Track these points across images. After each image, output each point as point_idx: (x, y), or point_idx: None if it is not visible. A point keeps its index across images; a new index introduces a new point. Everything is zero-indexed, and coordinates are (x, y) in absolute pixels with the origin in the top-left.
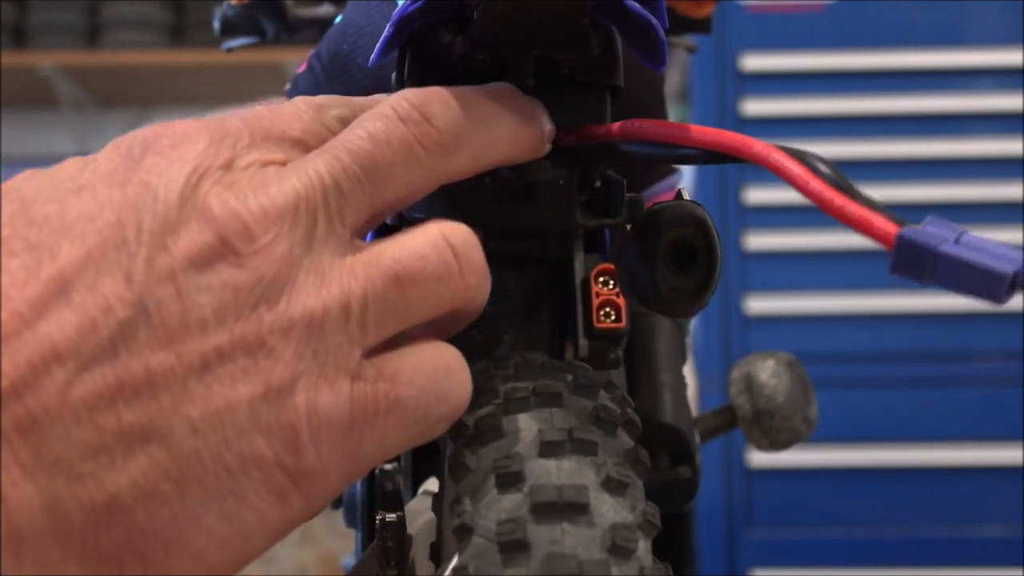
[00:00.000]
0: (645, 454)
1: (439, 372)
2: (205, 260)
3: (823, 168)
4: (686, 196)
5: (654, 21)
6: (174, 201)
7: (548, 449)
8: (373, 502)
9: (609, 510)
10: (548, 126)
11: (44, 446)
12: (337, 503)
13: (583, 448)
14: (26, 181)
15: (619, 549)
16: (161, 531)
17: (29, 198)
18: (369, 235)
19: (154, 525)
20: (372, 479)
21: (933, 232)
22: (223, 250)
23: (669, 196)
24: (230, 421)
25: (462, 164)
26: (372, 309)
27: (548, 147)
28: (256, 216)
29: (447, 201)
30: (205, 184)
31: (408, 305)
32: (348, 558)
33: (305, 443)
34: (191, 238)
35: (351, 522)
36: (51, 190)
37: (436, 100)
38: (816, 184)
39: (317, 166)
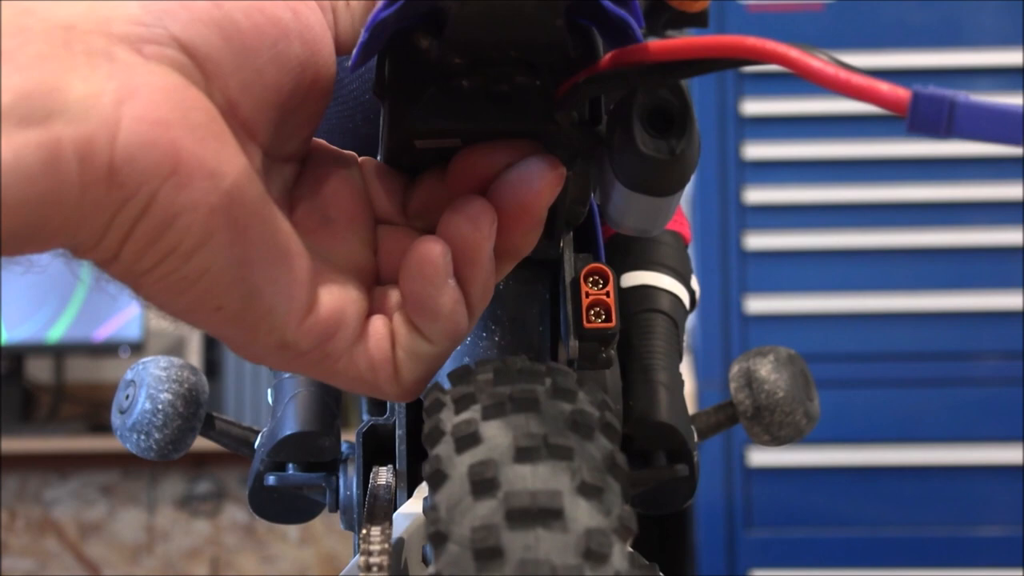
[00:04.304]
0: (623, 458)
1: None
2: None
3: (819, 52)
4: None
5: (631, 20)
6: None
7: (523, 455)
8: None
9: (584, 515)
10: None
11: None
12: (335, 506)
13: (558, 453)
14: None
15: (593, 554)
16: None
17: None
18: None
19: None
20: (367, 482)
21: (940, 90)
22: None
23: None
24: None
25: None
26: None
27: None
28: None
29: (426, 103)
30: None
31: None
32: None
33: None
34: None
35: (348, 524)
36: None
37: None
38: (816, 62)
39: None
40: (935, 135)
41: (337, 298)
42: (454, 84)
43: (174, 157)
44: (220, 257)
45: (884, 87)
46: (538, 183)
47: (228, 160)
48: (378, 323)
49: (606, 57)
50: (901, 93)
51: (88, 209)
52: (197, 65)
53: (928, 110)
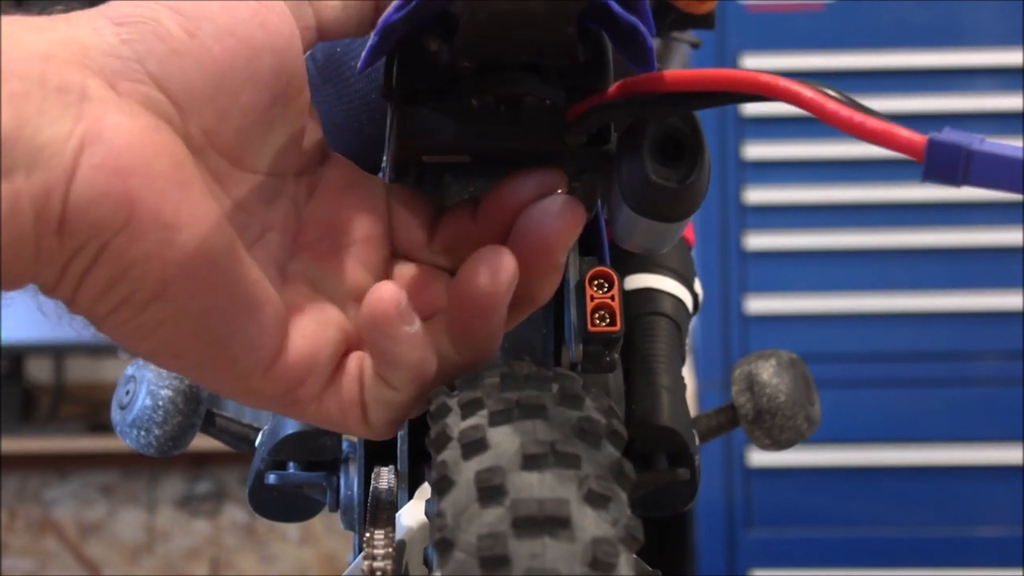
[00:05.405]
0: (630, 466)
1: None
2: None
3: (833, 92)
4: None
5: (641, 27)
6: None
7: (530, 462)
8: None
9: (591, 524)
10: None
11: None
12: (335, 505)
13: (565, 461)
14: None
15: (600, 563)
16: None
17: None
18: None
19: None
20: (368, 482)
21: (957, 135)
22: None
23: None
24: None
25: None
26: None
27: None
28: None
29: (436, 123)
30: None
31: None
32: (351, 556)
33: None
34: None
35: (349, 524)
36: None
37: None
38: (832, 104)
39: None
40: (951, 183)
41: (311, 342)
42: (463, 102)
43: (128, 208)
44: (177, 308)
45: (901, 132)
46: (556, 223)
47: (189, 210)
48: (352, 363)
49: (617, 84)
50: (917, 139)
51: (43, 256)
52: (171, 100)
53: (944, 157)
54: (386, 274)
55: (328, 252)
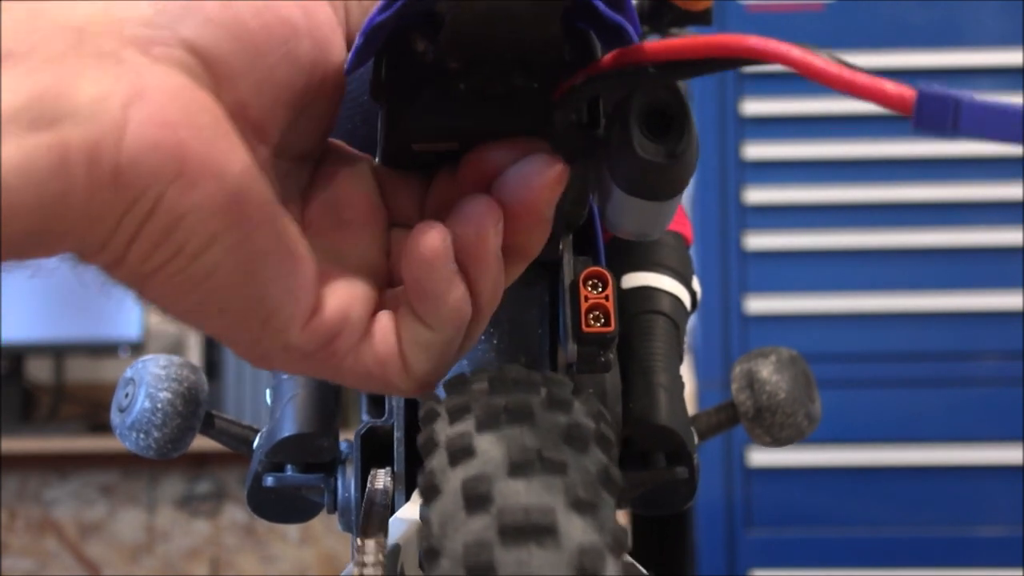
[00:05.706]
0: (618, 472)
1: None
2: None
3: (821, 52)
4: None
5: (627, 26)
6: None
7: (517, 470)
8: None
9: (577, 531)
10: None
11: None
12: (333, 507)
13: (552, 468)
14: None
15: (587, 571)
16: None
17: None
18: None
19: None
20: (365, 484)
21: (945, 89)
22: None
23: None
24: None
25: None
26: None
27: None
28: None
29: (423, 106)
30: None
31: None
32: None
33: None
34: None
35: (347, 526)
36: None
37: None
38: (819, 62)
39: None
40: (941, 134)
41: (342, 299)
42: (451, 87)
43: (180, 158)
44: (226, 258)
45: (889, 86)
46: (537, 181)
47: (235, 161)
48: (383, 319)
49: (605, 57)
50: (906, 93)
51: (95, 211)
52: (206, 67)
53: (933, 110)
54: (388, 243)
55: (332, 228)
